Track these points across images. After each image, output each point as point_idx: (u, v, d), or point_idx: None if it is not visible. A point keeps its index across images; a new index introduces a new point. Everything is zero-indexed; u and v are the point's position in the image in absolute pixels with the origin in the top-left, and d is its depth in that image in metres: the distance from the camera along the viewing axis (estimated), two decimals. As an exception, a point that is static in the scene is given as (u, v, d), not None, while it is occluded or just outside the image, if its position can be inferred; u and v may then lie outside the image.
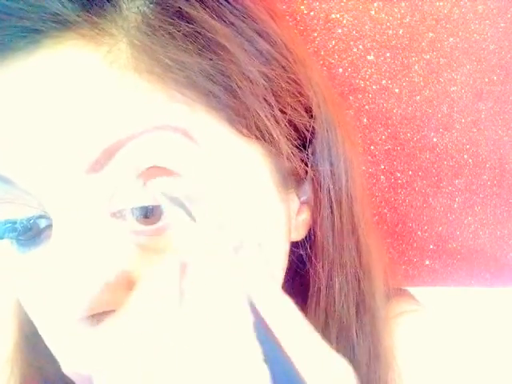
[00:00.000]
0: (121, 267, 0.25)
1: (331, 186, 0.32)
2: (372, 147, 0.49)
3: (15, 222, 0.27)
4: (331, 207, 0.32)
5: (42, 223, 0.27)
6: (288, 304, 0.21)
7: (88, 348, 0.25)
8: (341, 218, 0.32)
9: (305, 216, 0.33)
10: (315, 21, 0.46)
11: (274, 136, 0.28)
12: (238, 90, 0.26)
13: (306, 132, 0.31)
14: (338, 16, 0.46)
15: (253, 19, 0.28)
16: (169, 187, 0.25)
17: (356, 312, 0.33)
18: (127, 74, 0.24)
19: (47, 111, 0.24)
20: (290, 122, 0.29)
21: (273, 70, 0.28)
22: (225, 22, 0.27)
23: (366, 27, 0.46)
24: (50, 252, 0.25)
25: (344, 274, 0.33)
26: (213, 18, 0.26)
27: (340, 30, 0.46)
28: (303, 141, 0.31)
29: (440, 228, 0.51)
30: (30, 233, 0.27)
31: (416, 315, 0.40)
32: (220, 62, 0.26)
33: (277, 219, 0.30)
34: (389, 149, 0.49)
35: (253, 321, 0.22)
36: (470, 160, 0.50)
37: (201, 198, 0.26)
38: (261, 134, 0.28)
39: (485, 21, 0.47)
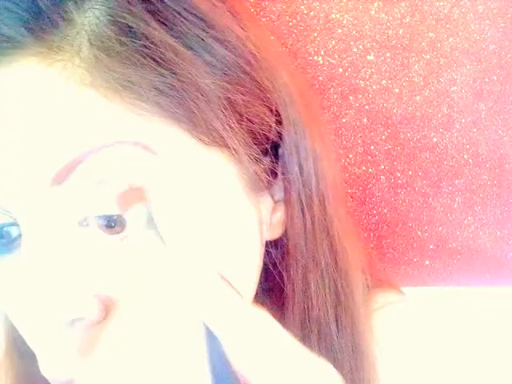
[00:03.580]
0: (90, 273, 0.26)
1: (301, 188, 0.31)
2: (372, 147, 0.49)
3: None
4: (302, 209, 0.31)
5: (15, 231, 0.28)
6: (263, 318, 0.21)
7: (68, 354, 0.25)
8: (312, 219, 0.32)
9: (280, 214, 0.32)
10: (315, 21, 0.46)
11: (230, 146, 0.28)
12: (191, 103, 0.26)
13: (271, 135, 0.30)
14: (338, 16, 0.46)
15: (211, 26, 0.27)
16: (132, 201, 0.25)
17: (335, 313, 0.33)
18: (84, 89, 0.24)
19: (4, 127, 0.24)
20: (251, 128, 0.29)
21: (231, 78, 0.28)
22: (179, 32, 0.26)
23: (366, 27, 0.46)
24: (22, 259, 0.25)
25: (320, 276, 0.32)
26: (165, 31, 0.26)
27: (340, 30, 0.46)
28: (271, 144, 0.31)
29: (440, 228, 0.51)
30: (3, 240, 0.27)
31: (400, 306, 0.39)
32: (173, 77, 0.26)
33: (247, 221, 0.29)
34: (389, 149, 0.49)
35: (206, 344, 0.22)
36: (470, 160, 0.50)
37: (164, 208, 0.26)
38: (222, 142, 0.27)
39: (485, 21, 0.47)
